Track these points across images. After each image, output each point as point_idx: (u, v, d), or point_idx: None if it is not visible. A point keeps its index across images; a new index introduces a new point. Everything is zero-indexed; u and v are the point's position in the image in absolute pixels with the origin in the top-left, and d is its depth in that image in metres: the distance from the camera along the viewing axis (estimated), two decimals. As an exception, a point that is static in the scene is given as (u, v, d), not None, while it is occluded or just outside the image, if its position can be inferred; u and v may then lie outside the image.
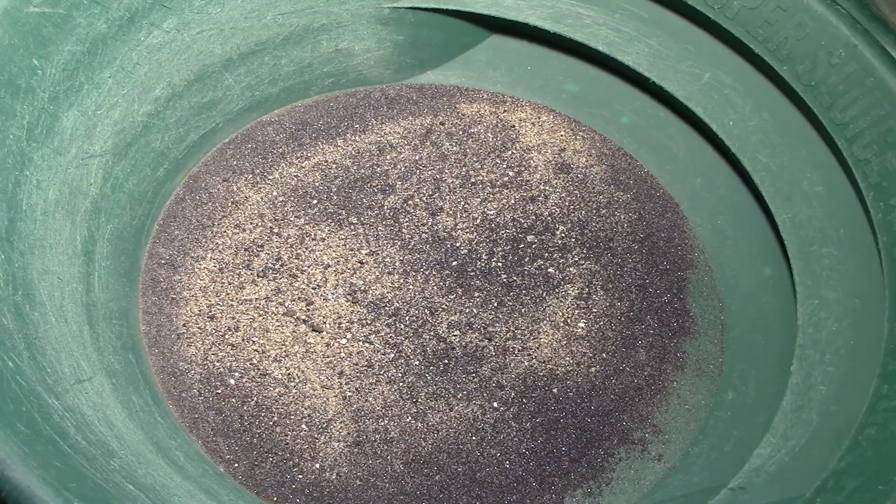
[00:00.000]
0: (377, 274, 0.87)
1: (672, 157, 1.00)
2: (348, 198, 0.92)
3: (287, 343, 0.81)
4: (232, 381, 0.79)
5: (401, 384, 0.80)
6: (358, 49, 1.01)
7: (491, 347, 0.83)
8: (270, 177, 0.93)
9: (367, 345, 0.82)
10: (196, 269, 0.86)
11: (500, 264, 0.89)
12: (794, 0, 0.81)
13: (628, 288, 0.90)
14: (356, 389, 0.80)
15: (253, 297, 0.84)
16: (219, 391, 0.78)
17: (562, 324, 0.86)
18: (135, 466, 0.62)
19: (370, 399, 0.79)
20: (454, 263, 0.88)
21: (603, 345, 0.85)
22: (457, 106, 1.03)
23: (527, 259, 0.90)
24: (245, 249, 0.87)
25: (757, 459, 0.74)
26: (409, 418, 0.79)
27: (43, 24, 0.71)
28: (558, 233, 0.92)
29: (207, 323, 0.82)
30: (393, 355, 0.82)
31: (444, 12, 1.00)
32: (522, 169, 0.97)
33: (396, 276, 0.87)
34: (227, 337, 0.81)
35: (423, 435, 0.78)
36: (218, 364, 0.80)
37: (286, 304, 0.84)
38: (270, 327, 0.82)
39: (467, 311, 0.85)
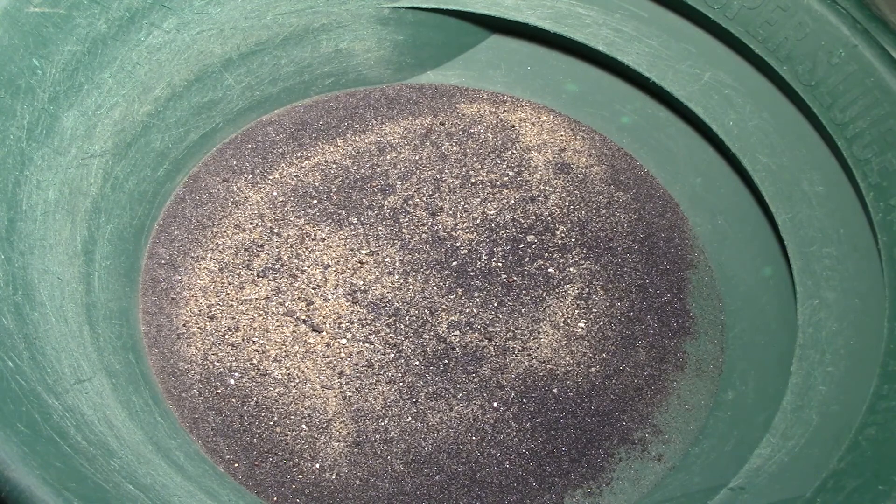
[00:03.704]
0: (377, 274, 0.87)
1: (672, 157, 1.00)
2: (348, 198, 0.92)
3: (287, 343, 0.81)
4: (232, 381, 0.79)
5: (401, 384, 0.80)
6: (358, 49, 1.01)
7: (491, 347, 0.83)
8: (270, 177, 0.93)
9: (367, 345, 0.82)
10: (196, 269, 0.86)
11: (500, 264, 0.89)
12: (794, 0, 0.81)
13: (628, 288, 0.90)
14: (356, 389, 0.80)
15: (253, 297, 0.84)
16: (219, 391, 0.78)
17: (562, 324, 0.86)
18: (135, 466, 0.62)
19: (370, 399, 0.79)
20: (454, 263, 0.88)
21: (603, 345, 0.85)
22: (457, 106, 1.03)
23: (527, 259, 0.90)
24: (245, 249, 0.87)
25: (757, 459, 0.73)
26: (409, 418, 0.79)
27: (43, 24, 0.71)
28: (558, 233, 0.92)
29: (207, 323, 0.82)
30: (393, 355, 0.82)
31: (444, 12, 1.00)
32: (522, 169, 0.97)
33: (396, 276, 0.87)
34: (227, 337, 0.81)
35: (423, 435, 0.78)
36: (218, 364, 0.80)
37: (286, 304, 0.84)
38: (270, 327, 0.82)
39: (467, 311, 0.85)
